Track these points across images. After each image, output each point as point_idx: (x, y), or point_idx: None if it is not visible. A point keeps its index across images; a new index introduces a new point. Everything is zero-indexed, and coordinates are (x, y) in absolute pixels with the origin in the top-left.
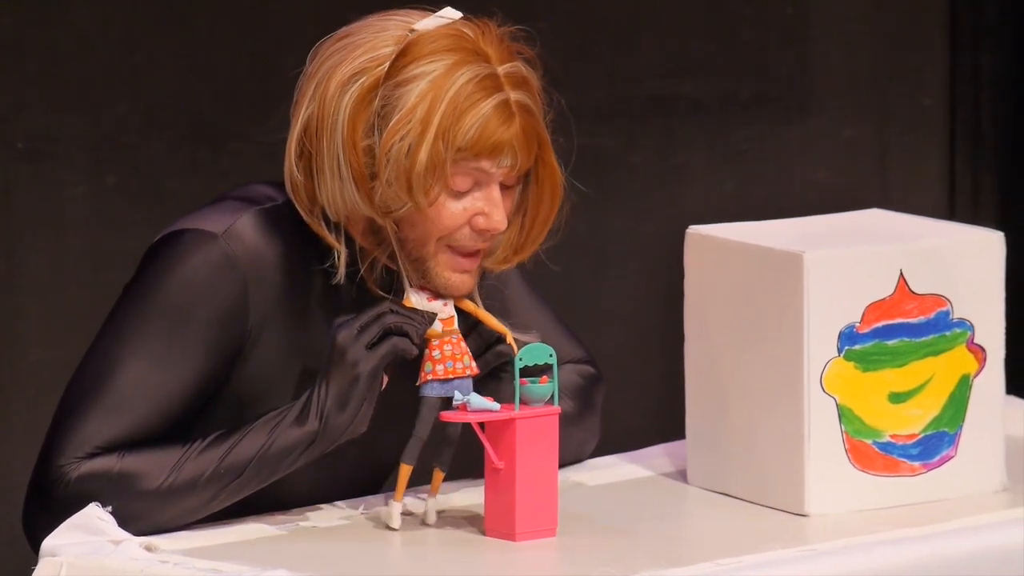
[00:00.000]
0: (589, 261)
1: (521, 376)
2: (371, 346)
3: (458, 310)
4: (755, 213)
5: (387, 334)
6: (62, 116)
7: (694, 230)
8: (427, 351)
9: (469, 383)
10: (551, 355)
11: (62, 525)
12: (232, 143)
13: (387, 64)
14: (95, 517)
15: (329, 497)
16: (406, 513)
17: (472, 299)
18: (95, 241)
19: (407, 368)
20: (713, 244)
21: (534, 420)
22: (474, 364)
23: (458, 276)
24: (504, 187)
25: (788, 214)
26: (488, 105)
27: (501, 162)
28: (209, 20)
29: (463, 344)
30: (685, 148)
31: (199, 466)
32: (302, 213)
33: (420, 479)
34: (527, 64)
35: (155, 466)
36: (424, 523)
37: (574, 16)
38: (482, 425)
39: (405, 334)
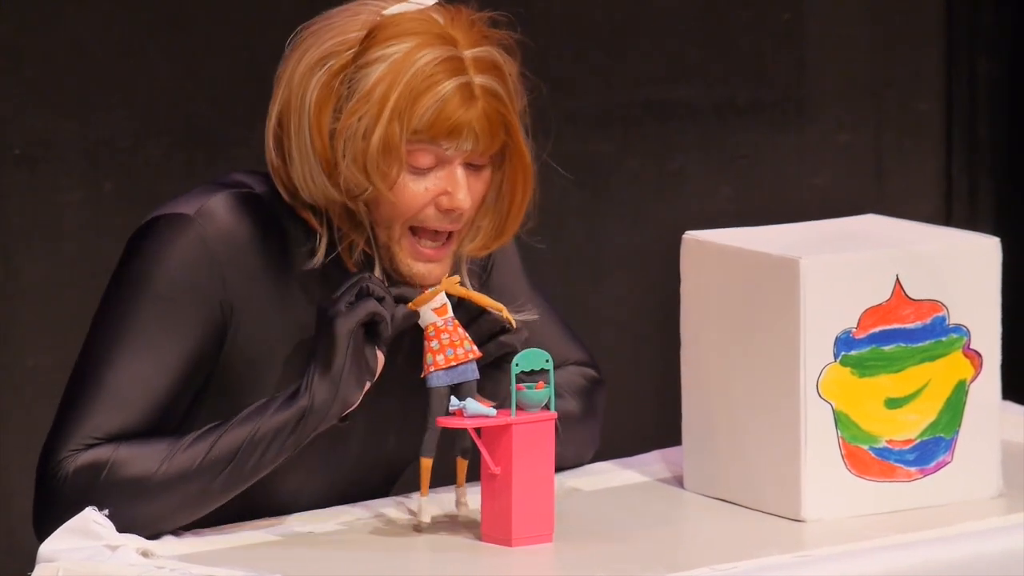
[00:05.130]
0: (585, 267)
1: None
2: (348, 308)
3: (450, 297)
4: (751, 219)
5: (363, 297)
6: (58, 122)
7: (690, 236)
8: (425, 343)
9: (474, 366)
10: (547, 360)
11: (59, 529)
12: (228, 149)
13: (355, 48)
14: (92, 521)
15: (338, 500)
16: (407, 516)
17: (462, 283)
18: (91, 247)
19: (413, 365)
20: (709, 250)
21: (530, 425)
22: (475, 348)
23: (422, 265)
24: (474, 168)
25: (784, 220)
26: (447, 87)
27: (460, 145)
28: (205, 26)
29: (460, 330)
30: (681, 154)
31: (193, 454)
32: (284, 196)
33: (436, 479)
34: (503, 50)
35: (149, 455)
36: (456, 507)
37: (570, 21)
38: (478, 430)
39: (381, 299)
